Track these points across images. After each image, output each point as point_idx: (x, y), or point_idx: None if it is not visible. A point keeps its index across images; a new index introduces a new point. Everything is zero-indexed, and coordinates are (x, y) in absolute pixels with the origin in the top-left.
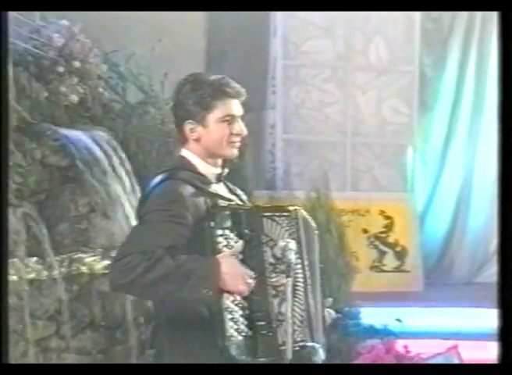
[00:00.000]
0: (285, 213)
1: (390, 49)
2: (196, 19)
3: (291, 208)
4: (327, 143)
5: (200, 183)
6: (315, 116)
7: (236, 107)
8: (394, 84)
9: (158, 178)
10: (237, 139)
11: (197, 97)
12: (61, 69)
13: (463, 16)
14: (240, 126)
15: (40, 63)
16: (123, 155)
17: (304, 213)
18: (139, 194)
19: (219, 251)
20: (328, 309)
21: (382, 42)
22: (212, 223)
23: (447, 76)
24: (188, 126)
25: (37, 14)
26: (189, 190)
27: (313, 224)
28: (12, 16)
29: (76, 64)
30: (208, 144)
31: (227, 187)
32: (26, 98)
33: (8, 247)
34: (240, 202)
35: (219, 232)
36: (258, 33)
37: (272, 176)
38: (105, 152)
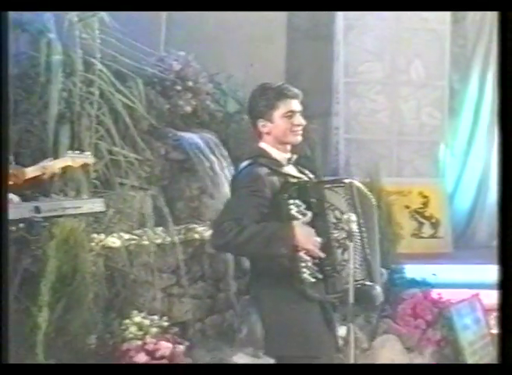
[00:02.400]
0: (341, 184)
1: (426, 68)
2: (278, 48)
3: (346, 180)
4: (378, 141)
5: (275, 166)
6: (369, 121)
7: (294, 105)
8: (429, 95)
9: (244, 164)
10: (299, 128)
11: (264, 100)
12: (178, 87)
13: (483, 42)
14: (299, 119)
15: (164, 84)
16: (224, 151)
17: (358, 184)
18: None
19: (292, 216)
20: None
21: (420, 63)
22: (285, 195)
23: (470, 89)
24: (260, 123)
25: (162, 47)
26: (266, 171)
27: (366, 192)
28: (142, 48)
29: (190, 84)
30: (276, 135)
31: (296, 168)
32: (153, 109)
33: (8, 244)
34: (307, 179)
35: (291, 201)
36: (325, 59)
37: (336, 166)
38: (211, 149)
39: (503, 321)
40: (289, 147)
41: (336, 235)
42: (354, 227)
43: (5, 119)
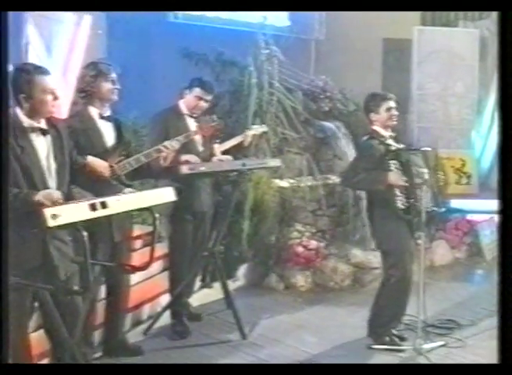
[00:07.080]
0: (419, 152)
1: (464, 87)
2: (377, 74)
3: (423, 149)
4: (436, 128)
5: (382, 139)
6: (431, 116)
7: (391, 104)
8: (466, 102)
9: (365, 137)
10: (394, 117)
11: (374, 101)
12: (321, 96)
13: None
14: (394, 111)
15: (313, 94)
16: (347, 133)
17: (431, 152)
18: (353, 150)
19: (390, 169)
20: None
21: (461, 83)
22: (387, 157)
23: (490, 99)
24: (371, 115)
25: (312, 73)
26: (377, 143)
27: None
28: (300, 74)
29: (328, 94)
30: (382, 122)
31: (396, 140)
32: (307, 109)
33: (8, 242)
34: (399, 147)
35: (391, 161)
36: (405, 80)
37: (411, 142)
38: (340, 132)
39: (502, 321)
40: (390, 128)
41: (416, 181)
42: (426, 176)
43: (4, 118)
